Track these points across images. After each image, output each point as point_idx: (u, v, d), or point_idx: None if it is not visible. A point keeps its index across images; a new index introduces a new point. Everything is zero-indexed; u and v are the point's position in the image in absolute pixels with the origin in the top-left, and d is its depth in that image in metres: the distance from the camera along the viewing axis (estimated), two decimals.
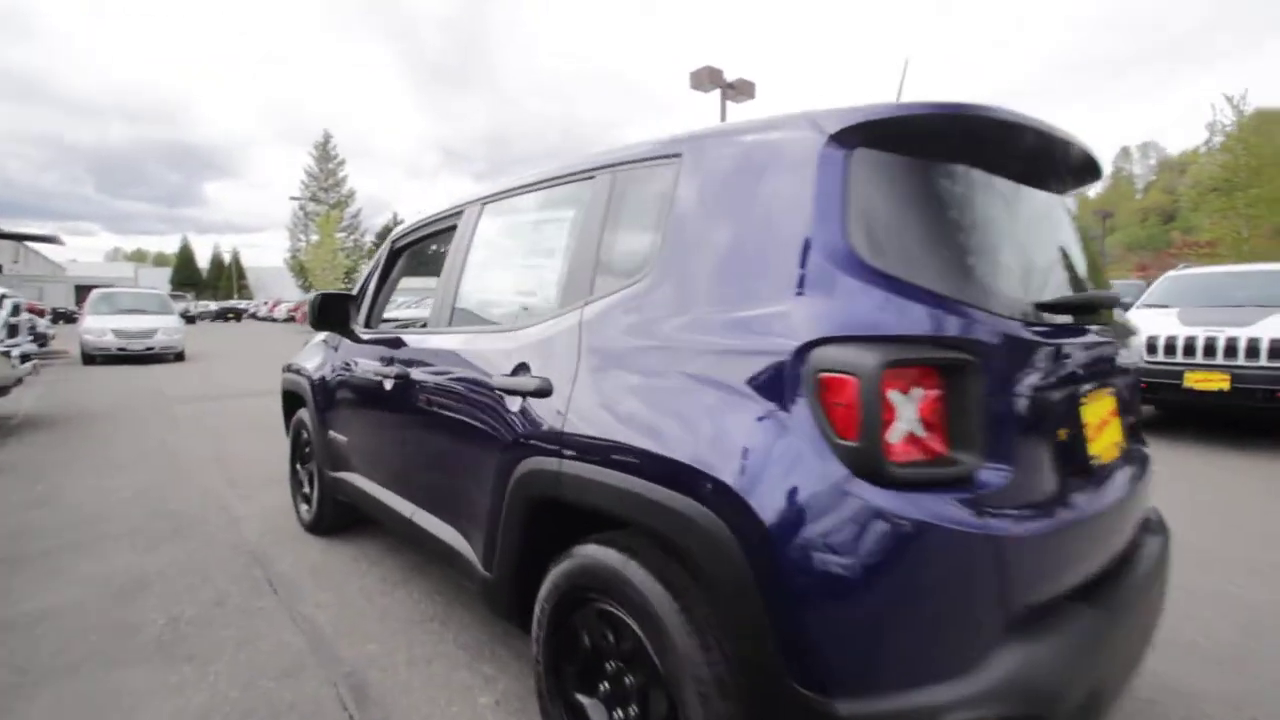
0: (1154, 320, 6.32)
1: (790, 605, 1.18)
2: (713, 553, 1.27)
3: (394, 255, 3.23)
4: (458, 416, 2.14)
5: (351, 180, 52.37)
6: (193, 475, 4.93)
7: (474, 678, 2.27)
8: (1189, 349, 5.91)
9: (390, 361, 2.64)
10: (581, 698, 1.66)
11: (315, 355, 3.58)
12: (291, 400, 3.90)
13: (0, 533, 3.66)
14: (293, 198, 46.13)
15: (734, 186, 1.48)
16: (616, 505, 1.48)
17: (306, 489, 3.72)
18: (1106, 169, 1.88)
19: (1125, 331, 1.79)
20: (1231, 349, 5.72)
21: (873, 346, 1.17)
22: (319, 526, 3.60)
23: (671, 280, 1.53)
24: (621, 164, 1.81)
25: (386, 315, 3.42)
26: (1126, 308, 6.66)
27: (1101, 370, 1.59)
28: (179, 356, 14.17)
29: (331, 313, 3.19)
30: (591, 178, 1.90)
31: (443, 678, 2.27)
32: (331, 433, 3.26)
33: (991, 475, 1.23)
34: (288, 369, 3.90)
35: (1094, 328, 1.59)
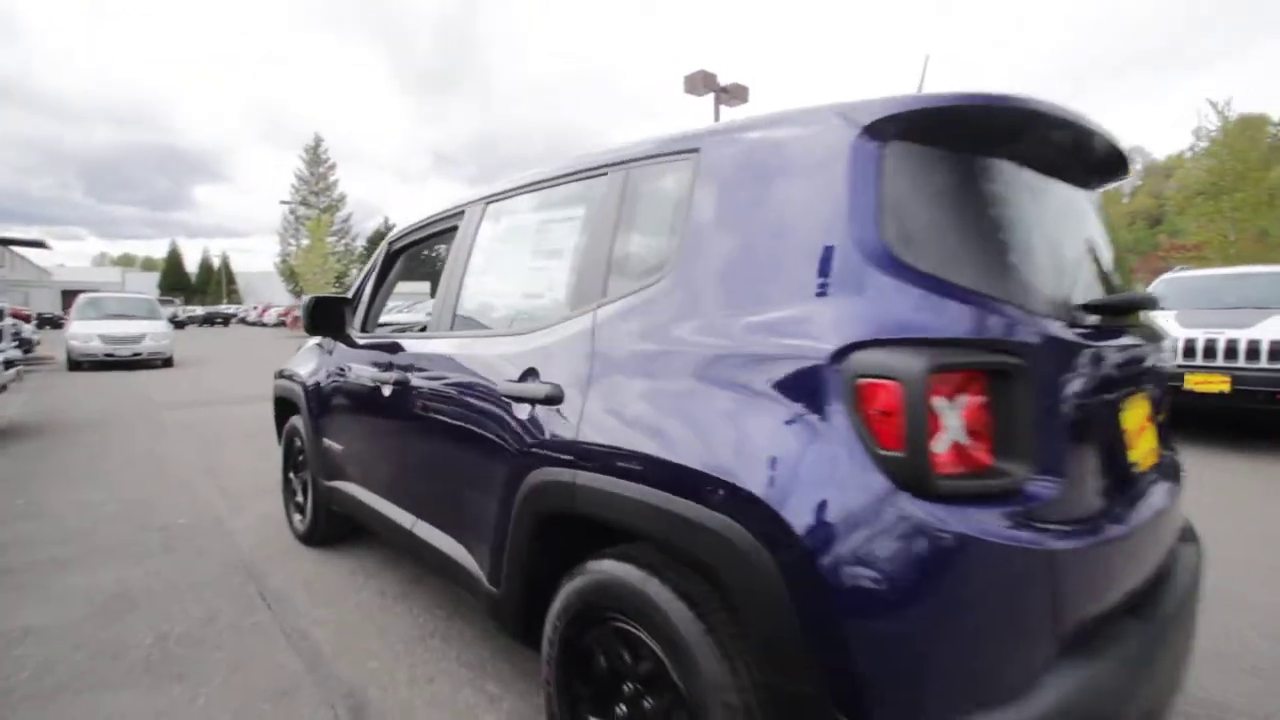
0: None
1: (831, 627, 1.10)
2: (744, 571, 1.19)
3: (391, 257, 3.14)
4: (461, 424, 2.05)
5: (342, 184, 52.18)
6: (182, 485, 4.80)
7: (478, 696, 2.18)
8: (1189, 351, 5.89)
9: (389, 367, 2.55)
10: None
11: (309, 360, 3.48)
12: (284, 407, 3.79)
13: None
14: (283, 202, 45.88)
15: (758, 182, 1.41)
16: (636, 520, 1.40)
17: (300, 498, 3.62)
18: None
19: (1154, 334, 1.72)
20: (1232, 351, 5.71)
21: (917, 350, 1.10)
22: (313, 538, 3.49)
23: (692, 281, 1.45)
24: (635, 160, 1.73)
25: (382, 320, 3.33)
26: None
27: (1137, 374, 1.53)
28: (167, 362, 13.97)
29: (326, 317, 3.10)
30: (603, 175, 1.82)
31: (446, 697, 2.17)
32: (326, 440, 3.16)
33: (1040, 486, 1.15)
34: (280, 375, 3.79)
35: (1129, 329, 1.53)
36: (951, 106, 1.26)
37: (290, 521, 3.74)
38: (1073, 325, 1.29)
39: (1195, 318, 6.19)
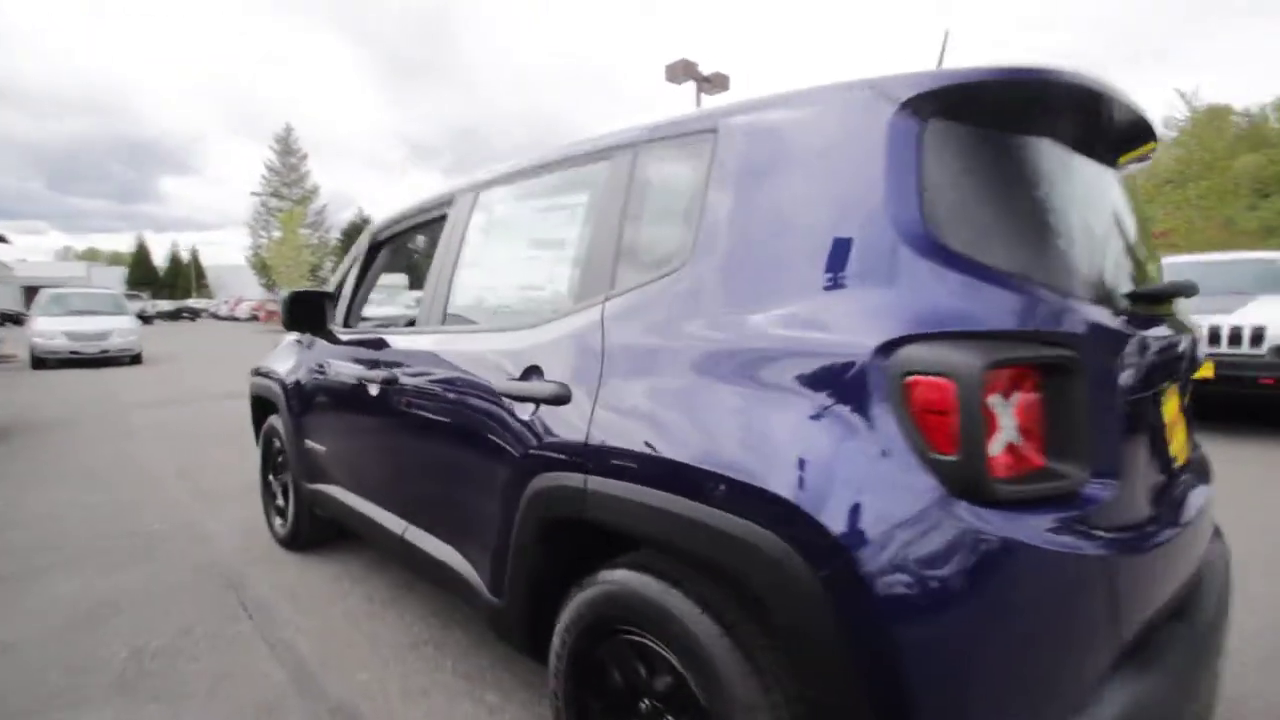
0: None
1: (878, 640, 1.01)
2: (780, 583, 1.09)
3: (374, 249, 3.00)
4: (456, 425, 1.94)
5: (315, 175, 51.23)
6: (155, 488, 4.61)
7: (477, 708, 2.08)
8: None
9: (375, 364, 2.42)
10: None
11: (288, 357, 3.33)
12: (262, 406, 3.63)
13: None
14: (253, 193, 44.97)
15: (784, 164, 1.31)
16: (656, 528, 1.30)
17: (280, 502, 3.47)
18: None
19: (1184, 322, 1.66)
20: (1215, 337, 5.75)
21: (971, 344, 1.01)
22: (295, 542, 3.35)
23: (713, 272, 1.35)
24: (643, 142, 1.62)
25: (365, 314, 3.18)
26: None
27: (1171, 365, 1.47)
28: (136, 359, 13.57)
29: (306, 312, 2.94)
30: (607, 158, 1.71)
31: (442, 710, 2.07)
32: (308, 442, 3.02)
33: (1097, 489, 1.08)
34: (257, 372, 3.63)
35: (1164, 318, 1.46)
36: (994, 81, 1.17)
37: (270, 526, 3.59)
38: (1119, 314, 1.22)
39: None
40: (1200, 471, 1.58)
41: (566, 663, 1.54)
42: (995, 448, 1.01)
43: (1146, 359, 1.27)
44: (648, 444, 1.33)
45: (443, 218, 2.36)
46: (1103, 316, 1.15)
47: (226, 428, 6.53)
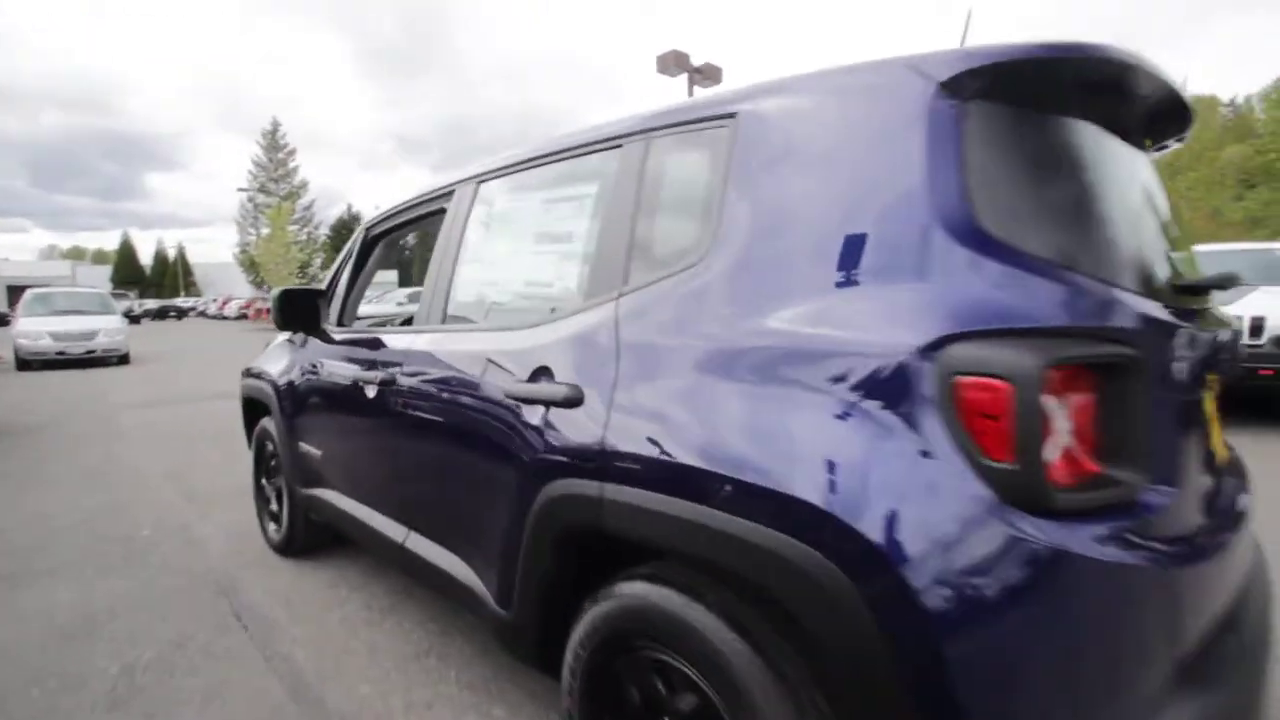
0: None
1: (930, 663, 0.94)
2: (819, 599, 1.02)
3: (369, 244, 2.90)
4: (459, 429, 1.85)
5: (303, 171, 50.78)
6: (144, 491, 4.50)
7: None
8: None
9: (372, 365, 2.33)
10: None
11: (280, 357, 3.22)
12: (254, 408, 3.53)
13: None
14: (240, 189, 44.50)
15: (812, 150, 1.23)
16: (680, 540, 1.22)
17: (274, 506, 3.37)
18: None
19: (1219, 317, 1.60)
20: None
21: (1025, 342, 0.94)
22: (290, 548, 3.26)
23: (736, 265, 1.27)
24: (656, 129, 1.54)
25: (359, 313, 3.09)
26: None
27: (1215, 360, 1.40)
28: (123, 359, 13.37)
29: (298, 311, 2.85)
30: (617, 146, 1.62)
31: None
32: (303, 445, 2.93)
33: (1155, 496, 1.01)
34: (248, 373, 3.53)
35: (1204, 311, 1.40)
36: (1037, 57, 1.10)
37: (264, 531, 3.49)
38: (1169, 307, 1.15)
39: None
40: (1238, 472, 1.52)
41: (581, 680, 1.46)
42: (1052, 453, 0.94)
43: (1195, 355, 1.20)
44: (671, 450, 1.25)
45: (441, 211, 2.27)
46: (1156, 310, 1.08)
47: (217, 428, 6.40)
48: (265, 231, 37.55)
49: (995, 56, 1.09)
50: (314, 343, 2.91)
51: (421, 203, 2.46)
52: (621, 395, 1.37)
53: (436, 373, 1.99)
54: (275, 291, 2.86)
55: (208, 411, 7.54)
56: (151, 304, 47.42)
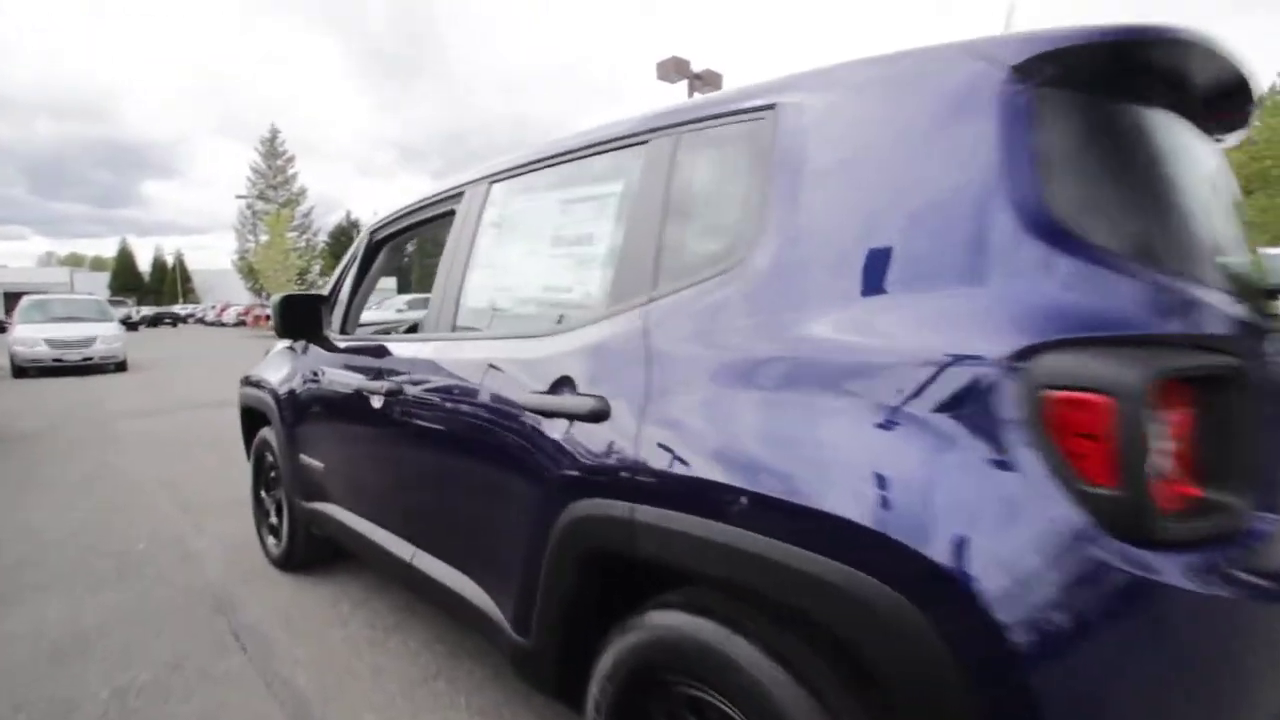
0: None
1: (1015, 702, 0.83)
2: (888, 639, 0.92)
3: (373, 249, 2.79)
4: (471, 443, 1.75)
5: (302, 178, 50.70)
6: (140, 502, 4.38)
7: None
8: None
9: (378, 374, 2.22)
10: None
11: (280, 366, 3.12)
12: (253, 418, 3.42)
13: None
14: (239, 196, 44.39)
15: (868, 143, 1.13)
16: (722, 567, 1.12)
17: (274, 519, 3.26)
18: None
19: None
20: None
21: (1127, 353, 0.84)
22: (290, 563, 3.14)
23: (782, 268, 1.16)
24: (685, 124, 1.44)
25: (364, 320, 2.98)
26: None
27: None
28: (120, 367, 13.23)
29: (300, 318, 2.75)
30: (643, 143, 1.52)
31: None
32: (304, 457, 2.82)
33: (1260, 522, 0.91)
34: (247, 381, 3.42)
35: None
36: (1112, 40, 1.00)
37: (263, 545, 3.38)
38: (1258, 312, 1.05)
39: None
40: None
41: (607, 716, 1.36)
42: (1160, 476, 0.83)
43: None
44: (713, 470, 1.14)
45: (450, 213, 2.17)
46: (1252, 316, 0.99)
47: (215, 436, 6.29)
48: (264, 238, 37.47)
49: (1068, 39, 0.99)
50: (315, 350, 2.80)
51: (429, 205, 2.36)
52: (655, 408, 1.26)
53: (446, 382, 1.89)
54: (276, 297, 2.76)
55: (204, 420, 7.42)
56: (149, 311, 47.30)
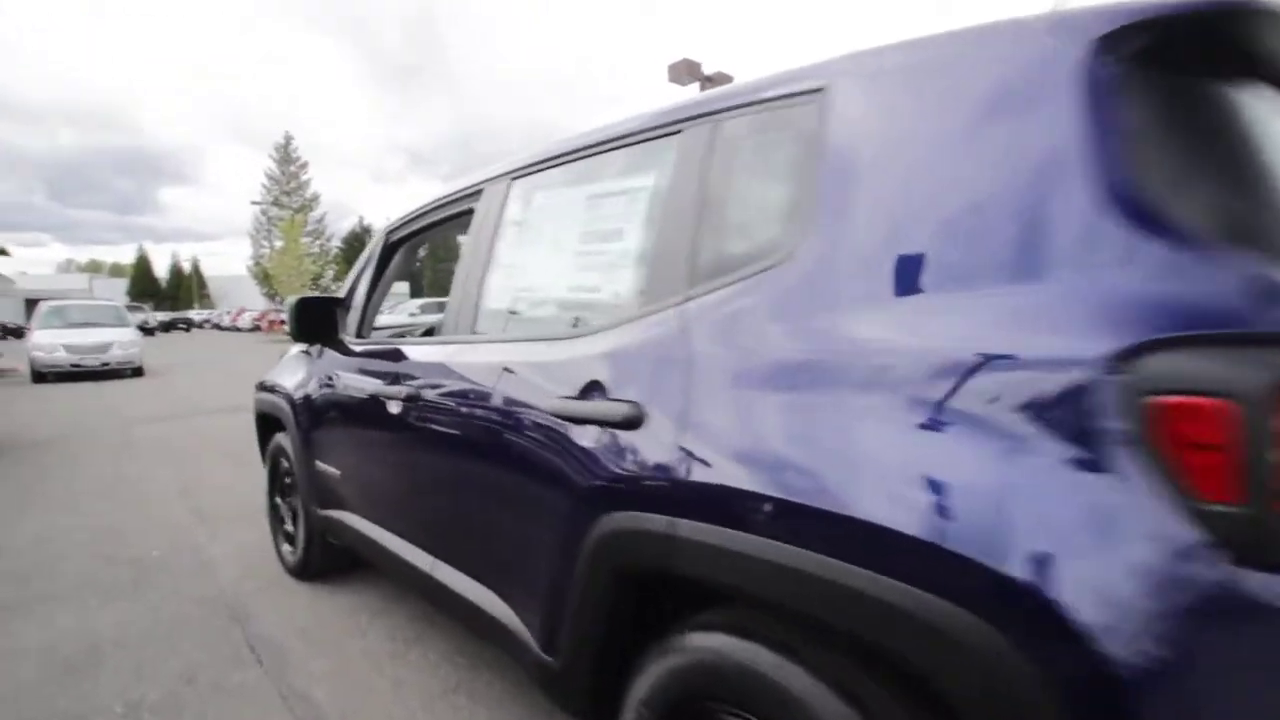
0: None
1: None
2: (976, 678, 0.82)
3: (389, 250, 2.73)
4: (495, 450, 1.67)
5: (315, 184, 51.10)
6: (155, 509, 4.35)
7: None
8: None
9: (395, 379, 2.15)
10: None
11: (295, 370, 3.06)
12: (268, 424, 3.37)
13: None
14: (254, 202, 44.83)
15: (930, 126, 1.03)
16: (773, 589, 1.03)
17: (290, 527, 3.20)
18: None
19: None
20: None
21: (1248, 352, 0.74)
22: (306, 571, 3.08)
23: (838, 261, 1.07)
24: (723, 111, 1.35)
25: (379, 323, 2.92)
26: None
27: None
28: (137, 372, 13.32)
29: (315, 321, 2.69)
30: (676, 132, 1.43)
31: None
32: (319, 463, 2.75)
33: None
34: (262, 387, 3.37)
35: None
36: (1202, 9, 0.91)
37: (279, 553, 3.32)
38: None
39: None
40: None
41: None
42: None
43: None
44: (762, 482, 1.05)
45: (469, 212, 2.09)
46: None
47: (230, 443, 6.26)
48: (278, 244, 37.74)
49: (1157, 10, 0.90)
50: (331, 354, 2.74)
51: (446, 204, 2.29)
52: (696, 415, 1.17)
53: (466, 386, 1.81)
54: (291, 300, 2.70)
55: (220, 425, 7.41)
56: (164, 317, 47.79)
